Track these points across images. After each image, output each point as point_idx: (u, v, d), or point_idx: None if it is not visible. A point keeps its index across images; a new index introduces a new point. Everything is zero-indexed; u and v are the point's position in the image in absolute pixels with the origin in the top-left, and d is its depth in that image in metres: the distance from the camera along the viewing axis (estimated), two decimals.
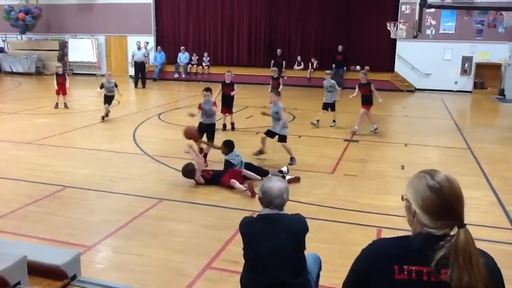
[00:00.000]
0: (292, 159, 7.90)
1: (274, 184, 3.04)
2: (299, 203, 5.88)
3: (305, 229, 3.11)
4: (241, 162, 7.20)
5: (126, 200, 6.25)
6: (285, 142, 7.97)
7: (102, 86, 11.82)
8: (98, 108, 12.41)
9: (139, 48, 19.33)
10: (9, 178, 7.06)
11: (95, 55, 22.53)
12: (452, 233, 1.62)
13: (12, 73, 22.84)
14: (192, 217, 5.72)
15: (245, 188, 6.47)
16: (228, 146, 7.26)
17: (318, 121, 11.31)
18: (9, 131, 10.32)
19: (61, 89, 13.24)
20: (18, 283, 3.20)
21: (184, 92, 18.24)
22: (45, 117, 12.17)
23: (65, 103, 13.44)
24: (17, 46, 23.71)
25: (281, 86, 12.04)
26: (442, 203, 1.62)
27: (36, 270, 3.47)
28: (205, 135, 8.12)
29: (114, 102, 12.29)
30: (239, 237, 3.16)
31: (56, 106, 13.22)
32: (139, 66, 18.90)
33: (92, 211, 5.97)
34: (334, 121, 11.45)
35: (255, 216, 3.19)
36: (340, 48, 19.06)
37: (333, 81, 11.72)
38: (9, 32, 23.17)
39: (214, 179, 6.83)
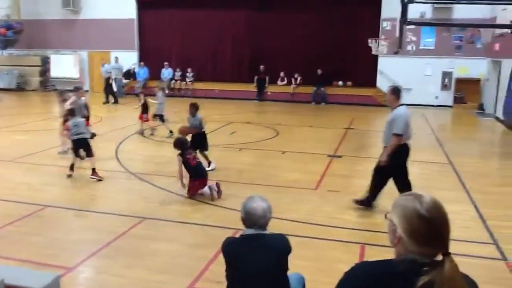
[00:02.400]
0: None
1: (257, 204, 3.03)
2: (281, 220, 5.86)
3: (288, 249, 3.11)
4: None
5: (108, 219, 6.16)
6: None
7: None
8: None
9: (102, 65, 19.93)
10: None
11: (77, 70, 22.36)
12: (437, 258, 1.62)
13: None
14: (175, 236, 5.66)
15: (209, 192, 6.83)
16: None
17: None
18: None
19: None
20: None
21: (168, 107, 18.12)
22: (25, 134, 12.00)
23: None
24: None
25: None
26: (430, 232, 1.61)
27: None
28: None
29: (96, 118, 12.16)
30: (222, 256, 3.14)
31: None
32: (106, 82, 19.23)
33: (73, 231, 5.87)
34: None
35: (237, 235, 3.17)
36: (319, 71, 19.28)
37: None
38: None
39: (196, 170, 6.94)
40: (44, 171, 8.52)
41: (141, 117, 12.10)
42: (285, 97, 19.68)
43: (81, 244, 5.42)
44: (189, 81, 21.08)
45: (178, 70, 21.35)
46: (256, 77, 19.97)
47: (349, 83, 19.93)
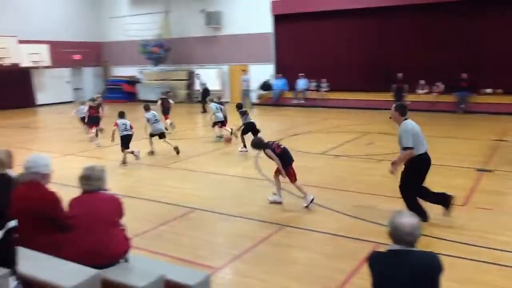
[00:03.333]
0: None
1: (406, 220, 2.91)
2: (425, 237, 5.54)
3: (439, 269, 2.92)
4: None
5: (249, 224, 6.44)
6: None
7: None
8: (220, 134, 13.04)
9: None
10: (144, 198, 7.69)
11: (219, 83, 23.85)
12: None
13: (146, 101, 25.07)
14: (313, 246, 5.70)
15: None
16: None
17: None
18: (143, 155, 11.25)
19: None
20: None
21: (302, 118, 18.44)
22: (174, 142, 13.08)
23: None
24: (150, 77, 26.10)
25: None
26: None
27: None
28: None
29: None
30: (363, 269, 3.07)
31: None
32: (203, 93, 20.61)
33: (218, 233, 6.25)
34: None
35: (384, 250, 3.08)
36: (464, 75, 17.87)
37: None
38: (144, 64, 25.60)
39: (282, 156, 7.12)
40: (191, 176, 9.20)
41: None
42: (425, 107, 18.61)
43: (226, 246, 5.75)
44: (324, 91, 21.14)
45: (312, 80, 21.56)
46: (393, 86, 19.25)
47: (499, 90, 18.17)
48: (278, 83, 22.11)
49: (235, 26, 23.23)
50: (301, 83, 21.56)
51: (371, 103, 19.66)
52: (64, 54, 25.12)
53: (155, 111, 11.81)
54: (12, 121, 18.40)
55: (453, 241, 5.63)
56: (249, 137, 10.43)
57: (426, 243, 3.43)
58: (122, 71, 27.15)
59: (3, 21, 22.08)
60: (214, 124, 12.97)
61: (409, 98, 19.15)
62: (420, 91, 19.42)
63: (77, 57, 26.40)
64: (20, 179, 3.84)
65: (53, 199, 3.70)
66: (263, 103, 22.39)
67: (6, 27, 21.69)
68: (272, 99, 22.10)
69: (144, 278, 3.41)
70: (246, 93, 21.92)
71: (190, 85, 24.88)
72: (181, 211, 6.99)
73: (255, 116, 19.43)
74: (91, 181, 3.66)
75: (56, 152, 11.55)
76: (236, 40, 23.24)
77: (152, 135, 11.35)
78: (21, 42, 21.85)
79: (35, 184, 3.71)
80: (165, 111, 15.26)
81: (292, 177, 7.11)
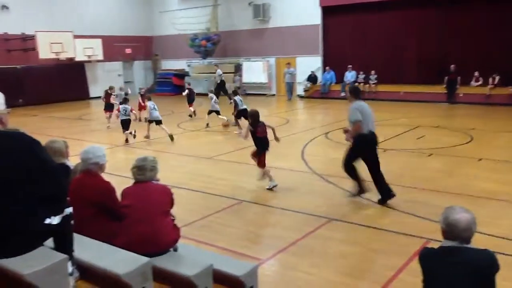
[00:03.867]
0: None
1: (461, 215, 2.82)
2: (480, 234, 5.33)
3: (494, 266, 2.80)
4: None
5: (296, 217, 6.43)
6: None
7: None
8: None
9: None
10: (192, 189, 7.83)
11: (266, 76, 23.85)
12: None
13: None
14: (361, 240, 5.62)
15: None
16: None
17: None
18: (192, 147, 11.49)
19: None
20: None
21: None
22: (222, 134, 13.27)
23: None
24: (198, 70, 26.46)
25: None
26: None
27: (218, 278, 3.76)
28: None
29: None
30: (412, 266, 3.00)
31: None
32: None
33: (265, 225, 6.29)
34: None
35: (436, 247, 2.99)
36: None
37: None
38: (192, 57, 25.98)
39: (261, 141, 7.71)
40: (237, 168, 9.28)
41: None
42: (479, 99, 17.88)
43: (272, 239, 5.77)
44: (373, 84, 20.71)
45: (361, 73, 21.17)
46: (446, 78, 18.60)
47: None
48: (326, 76, 21.86)
49: (282, 19, 23.12)
50: (349, 75, 21.22)
51: (422, 96, 19.10)
52: (116, 48, 25.89)
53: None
54: (68, 113, 19.18)
55: (508, 239, 5.40)
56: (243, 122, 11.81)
57: (478, 241, 3.24)
58: (171, 65, 27.68)
59: (60, 17, 23.01)
60: (237, 116, 13.47)
61: (462, 90, 18.49)
62: (474, 84, 18.67)
63: (128, 51, 27.15)
64: (77, 168, 4.00)
65: (108, 188, 3.83)
66: (310, 95, 22.22)
67: (62, 23, 22.60)
68: (320, 92, 21.88)
69: (193, 267, 3.47)
70: (289, 85, 21.98)
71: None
72: (228, 202, 7.07)
73: (301, 108, 19.39)
74: (145, 171, 3.76)
75: (107, 143, 11.96)
76: (284, 32, 23.14)
77: (150, 121, 12.68)
78: (76, 37, 22.69)
79: (92, 174, 3.86)
80: (190, 100, 16.82)
81: (261, 164, 7.69)
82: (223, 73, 22.47)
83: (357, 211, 6.55)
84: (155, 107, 12.64)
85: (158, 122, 12.50)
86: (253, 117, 7.75)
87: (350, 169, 6.96)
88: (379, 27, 21.10)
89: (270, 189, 7.59)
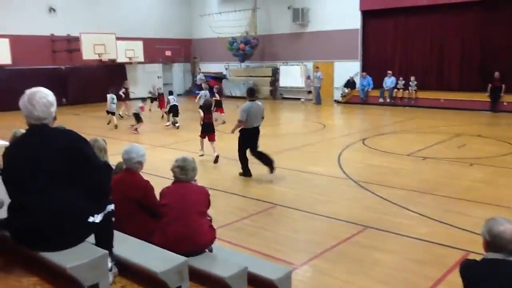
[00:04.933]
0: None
1: (506, 227, 2.72)
2: None
3: None
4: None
5: (331, 223, 6.37)
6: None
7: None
8: (306, 131, 13.02)
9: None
10: (228, 192, 7.88)
11: (303, 80, 23.76)
12: None
13: (231, 97, 25.68)
14: (398, 249, 5.50)
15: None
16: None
17: None
18: (228, 149, 11.47)
19: None
20: None
21: (388, 117, 17.88)
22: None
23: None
24: (236, 73, 26.67)
25: None
26: None
27: (252, 281, 3.76)
28: None
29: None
30: (451, 278, 2.92)
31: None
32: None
33: (299, 230, 6.25)
34: None
35: (477, 259, 2.90)
36: None
37: None
38: (230, 60, 26.20)
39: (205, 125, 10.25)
40: (274, 173, 9.26)
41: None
42: None
43: (307, 244, 5.74)
44: (412, 90, 20.28)
45: (401, 78, 20.77)
46: (489, 86, 18.03)
47: None
48: (362, 82, 21.57)
49: (321, 23, 22.96)
50: (389, 81, 20.85)
51: (463, 104, 18.55)
52: (156, 50, 26.41)
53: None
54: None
55: None
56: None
57: None
58: (209, 67, 27.99)
59: (104, 19, 23.67)
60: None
61: (506, 99, 17.88)
62: None
63: (168, 53, 27.65)
64: (119, 167, 4.10)
65: (148, 187, 3.91)
66: (348, 101, 21.98)
67: (106, 25, 23.23)
68: (358, 97, 21.60)
69: (228, 269, 3.49)
70: (317, 90, 22.10)
71: (274, 82, 25.06)
72: (264, 206, 7.08)
73: (338, 114, 19.21)
74: (187, 171, 3.82)
75: (144, 143, 12.18)
76: (322, 36, 22.98)
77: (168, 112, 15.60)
78: (118, 39, 23.27)
79: (132, 172, 3.95)
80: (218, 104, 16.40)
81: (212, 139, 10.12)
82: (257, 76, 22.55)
83: (393, 220, 6.42)
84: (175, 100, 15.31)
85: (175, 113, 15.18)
86: (206, 106, 10.50)
87: (244, 156, 8.75)
88: (421, 31, 20.67)
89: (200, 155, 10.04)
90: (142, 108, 14.78)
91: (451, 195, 7.38)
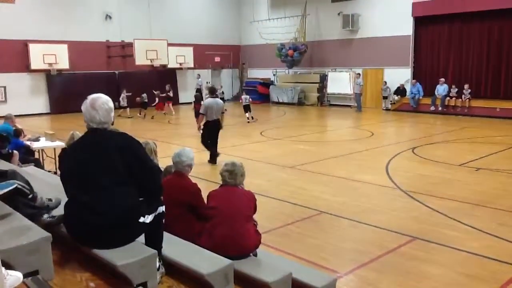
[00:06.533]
0: None
1: None
2: None
3: None
4: None
5: (378, 232, 6.25)
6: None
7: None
8: (353, 139, 12.84)
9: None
10: (273, 197, 7.89)
11: (351, 87, 23.46)
12: None
13: (278, 103, 25.76)
14: (448, 262, 5.32)
15: None
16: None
17: None
18: (275, 155, 11.58)
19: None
20: None
21: (440, 126, 17.34)
22: (304, 144, 13.26)
23: None
24: (284, 79, 26.72)
25: None
26: None
27: (296, 287, 3.76)
28: None
29: None
30: None
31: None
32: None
33: (344, 238, 6.17)
34: None
35: None
36: None
37: None
38: (278, 67, 26.28)
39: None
40: (319, 179, 9.23)
41: None
42: None
43: (352, 253, 5.65)
44: (466, 98, 19.58)
45: (453, 86, 20.11)
46: None
47: None
48: (412, 89, 21.04)
49: (372, 29, 22.63)
50: (441, 89, 20.22)
51: None
52: (206, 56, 26.89)
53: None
54: (158, 117, 20.18)
55: None
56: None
57: None
58: (258, 73, 28.19)
59: (157, 25, 24.36)
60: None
61: None
62: None
63: (217, 59, 28.08)
64: (167, 170, 4.22)
65: (196, 189, 4.00)
66: (398, 108, 21.52)
67: (158, 31, 23.91)
68: (408, 105, 21.09)
69: (272, 274, 3.50)
70: (358, 96, 22.02)
71: (322, 88, 24.91)
72: (309, 212, 7.04)
73: (387, 121, 18.84)
74: (236, 176, 3.89)
75: (192, 147, 12.40)
76: (372, 43, 22.63)
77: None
78: (169, 45, 23.88)
79: (180, 175, 4.05)
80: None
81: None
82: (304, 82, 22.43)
83: (444, 232, 6.22)
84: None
85: None
86: (196, 97, 13.07)
87: (206, 144, 10.40)
88: (475, 38, 19.97)
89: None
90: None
91: (506, 208, 7.07)
